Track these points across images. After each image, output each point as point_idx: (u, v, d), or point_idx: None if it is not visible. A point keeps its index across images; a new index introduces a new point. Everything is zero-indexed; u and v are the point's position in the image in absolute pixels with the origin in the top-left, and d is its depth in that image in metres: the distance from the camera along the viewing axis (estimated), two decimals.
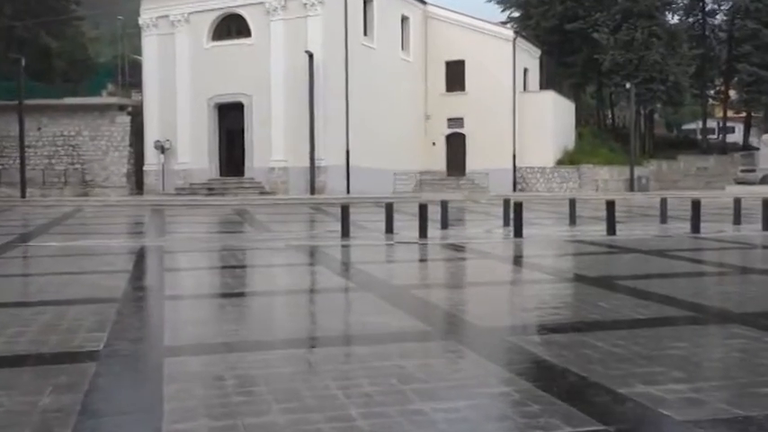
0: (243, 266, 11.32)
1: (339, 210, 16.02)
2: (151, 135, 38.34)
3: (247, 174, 36.05)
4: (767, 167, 43.50)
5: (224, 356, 5.21)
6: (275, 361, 5.08)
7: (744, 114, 58.45)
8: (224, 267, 11.10)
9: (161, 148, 37.70)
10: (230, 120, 36.74)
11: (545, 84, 50.17)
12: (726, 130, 59.07)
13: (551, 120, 43.06)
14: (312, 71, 33.81)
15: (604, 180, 44.26)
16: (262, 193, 34.38)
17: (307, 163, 34.29)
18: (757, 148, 49.34)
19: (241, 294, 8.37)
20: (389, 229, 15.87)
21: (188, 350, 5.47)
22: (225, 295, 8.29)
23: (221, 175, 37.34)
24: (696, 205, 16.20)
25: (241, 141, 36.26)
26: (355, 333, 6.15)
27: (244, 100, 36.00)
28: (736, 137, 62.95)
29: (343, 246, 13.84)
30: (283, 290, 8.78)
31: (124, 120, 39.38)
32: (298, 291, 8.61)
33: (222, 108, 37.04)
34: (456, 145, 43.65)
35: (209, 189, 35.85)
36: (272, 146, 35.23)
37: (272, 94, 35.23)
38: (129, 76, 46.76)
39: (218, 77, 36.09)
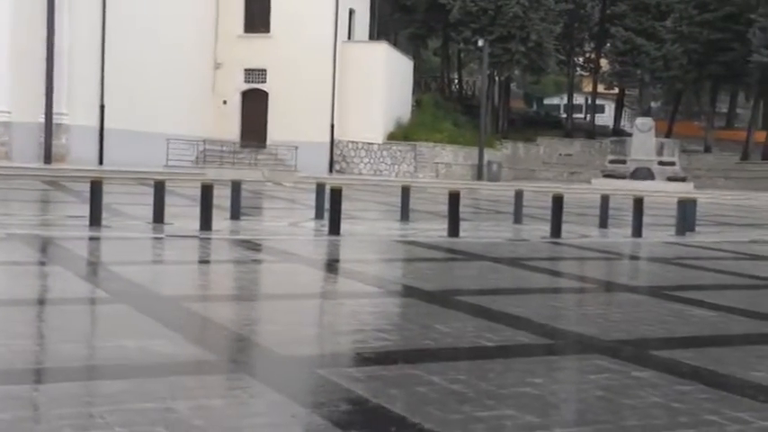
0: None
1: (87, 187, 15.54)
2: None
3: None
4: (640, 159, 47.46)
5: None
6: None
7: (616, 91, 63.48)
8: None
9: None
10: None
11: (376, 33, 51.24)
12: (595, 108, 63.92)
13: (383, 81, 44.11)
14: None
15: (447, 164, 46.14)
16: None
17: (41, 118, 32.75)
18: (629, 134, 53.65)
19: None
20: (159, 217, 15.67)
21: None
22: None
23: None
24: (558, 202, 17.36)
25: None
26: (105, 362, 5.95)
27: None
28: (606, 118, 68.37)
29: (91, 238, 13.48)
30: None
31: None
32: (20, 301, 8.21)
33: None
34: (255, 106, 43.49)
35: None
36: None
37: None
38: None
39: None
